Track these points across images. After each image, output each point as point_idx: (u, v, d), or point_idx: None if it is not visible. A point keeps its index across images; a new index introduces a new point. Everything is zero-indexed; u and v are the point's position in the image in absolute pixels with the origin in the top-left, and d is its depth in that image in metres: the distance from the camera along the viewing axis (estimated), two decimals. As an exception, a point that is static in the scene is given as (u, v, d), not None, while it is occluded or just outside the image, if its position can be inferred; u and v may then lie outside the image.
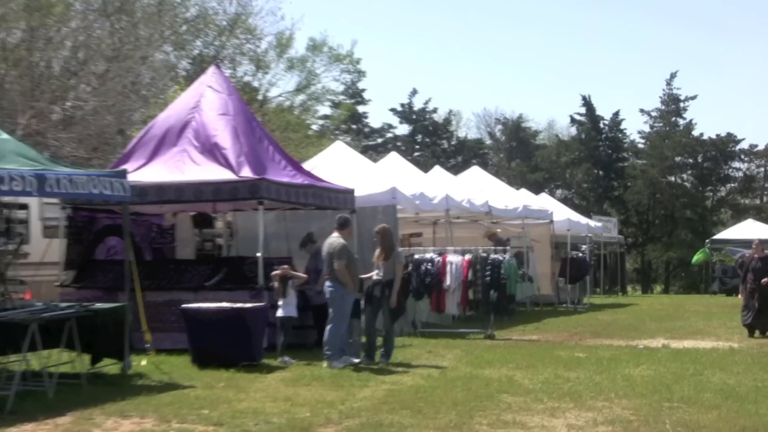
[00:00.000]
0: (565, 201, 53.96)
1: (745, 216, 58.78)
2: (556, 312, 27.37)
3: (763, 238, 21.45)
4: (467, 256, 19.32)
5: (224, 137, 17.11)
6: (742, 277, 19.83)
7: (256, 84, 43.83)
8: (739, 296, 30.54)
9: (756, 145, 68.12)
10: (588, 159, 68.06)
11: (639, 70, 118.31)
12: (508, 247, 21.76)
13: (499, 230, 25.98)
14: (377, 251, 14.47)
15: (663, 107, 68.05)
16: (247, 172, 16.31)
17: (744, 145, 67.86)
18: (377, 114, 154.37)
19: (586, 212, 48.77)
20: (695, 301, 37.18)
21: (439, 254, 19.53)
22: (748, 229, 44.48)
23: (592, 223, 35.06)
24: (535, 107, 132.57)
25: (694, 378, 13.01)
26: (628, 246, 60.62)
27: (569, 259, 30.20)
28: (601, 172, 68.55)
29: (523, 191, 31.00)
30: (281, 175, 17.09)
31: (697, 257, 47.13)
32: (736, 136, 66.82)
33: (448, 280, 19.06)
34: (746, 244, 34.93)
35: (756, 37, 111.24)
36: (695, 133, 66.97)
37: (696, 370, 13.81)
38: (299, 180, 17.46)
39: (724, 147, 66.64)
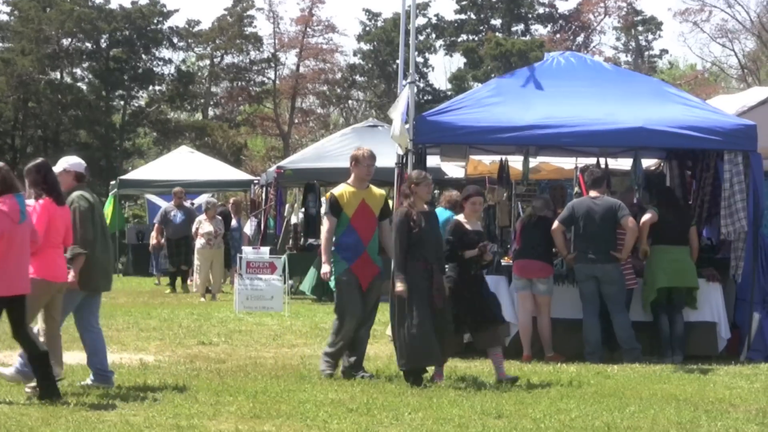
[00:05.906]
0: None
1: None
2: None
3: None
4: None
5: None
6: None
7: None
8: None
9: (198, 22, 45.60)
10: None
11: None
12: None
13: None
14: None
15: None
16: None
17: (178, 22, 46.95)
18: None
19: None
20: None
21: None
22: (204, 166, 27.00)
23: None
24: None
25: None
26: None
27: None
28: None
29: None
30: None
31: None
32: (164, 6, 43.33)
33: None
34: (211, 188, 25.48)
35: None
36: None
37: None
38: None
39: (149, 23, 42.70)
